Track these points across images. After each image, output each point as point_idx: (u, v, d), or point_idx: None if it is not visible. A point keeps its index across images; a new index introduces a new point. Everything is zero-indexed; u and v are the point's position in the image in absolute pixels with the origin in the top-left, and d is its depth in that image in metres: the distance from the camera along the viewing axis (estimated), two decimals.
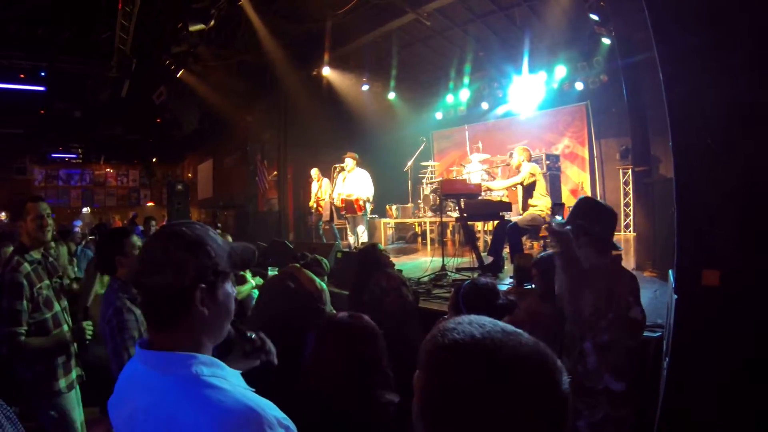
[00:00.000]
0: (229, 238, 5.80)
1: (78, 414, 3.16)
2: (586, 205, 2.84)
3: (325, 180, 10.19)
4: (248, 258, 1.37)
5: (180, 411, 1.04)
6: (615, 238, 2.79)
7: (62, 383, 3.04)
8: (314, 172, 10.53)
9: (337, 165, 9.34)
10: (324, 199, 10.18)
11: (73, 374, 3.15)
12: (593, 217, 2.66)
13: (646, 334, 3.49)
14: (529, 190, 6.54)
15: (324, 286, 4.13)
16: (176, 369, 1.11)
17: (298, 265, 4.20)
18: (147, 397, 1.11)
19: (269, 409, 1.07)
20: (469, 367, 0.79)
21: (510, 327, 0.85)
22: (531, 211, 6.41)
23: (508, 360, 0.78)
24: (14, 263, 2.91)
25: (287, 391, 2.09)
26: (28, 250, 3.01)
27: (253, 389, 1.18)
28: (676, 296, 2.41)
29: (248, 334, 1.71)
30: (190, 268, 1.17)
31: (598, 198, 11.93)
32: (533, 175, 6.49)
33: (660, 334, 3.38)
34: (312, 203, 10.52)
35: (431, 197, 10.25)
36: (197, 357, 1.14)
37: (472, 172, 9.54)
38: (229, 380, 1.13)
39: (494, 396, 0.75)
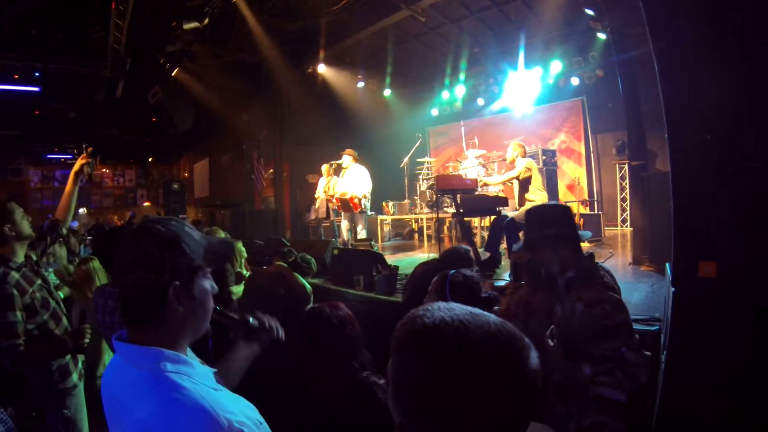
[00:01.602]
0: (222, 234, 5.78)
1: (85, 411, 3.16)
2: (533, 218, 2.55)
3: (336, 178, 10.16)
4: (226, 253, 1.41)
5: (139, 405, 1.09)
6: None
7: (75, 377, 3.05)
8: (325, 167, 10.51)
9: (333, 162, 9.33)
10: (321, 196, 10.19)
11: (80, 364, 3.16)
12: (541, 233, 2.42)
13: (643, 327, 3.50)
14: (525, 185, 6.55)
15: (309, 288, 4.15)
16: (143, 363, 1.14)
17: (285, 264, 4.20)
18: (121, 389, 1.16)
19: (223, 411, 1.07)
20: (438, 348, 0.81)
21: (477, 310, 0.87)
22: (528, 206, 6.41)
23: (476, 339, 0.80)
24: (1, 275, 2.78)
25: (273, 386, 2.14)
26: (10, 258, 2.89)
27: (220, 389, 1.20)
28: (673, 289, 2.41)
29: (243, 319, 1.70)
30: (164, 266, 1.18)
31: (595, 193, 11.98)
32: (529, 169, 6.50)
33: (657, 328, 3.38)
34: (317, 194, 10.47)
35: (428, 193, 10.25)
36: (164, 353, 1.15)
37: (468, 168, 9.54)
38: (194, 378, 1.15)
39: (464, 375, 0.77)
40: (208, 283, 1.29)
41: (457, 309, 0.86)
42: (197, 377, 1.16)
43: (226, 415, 1.06)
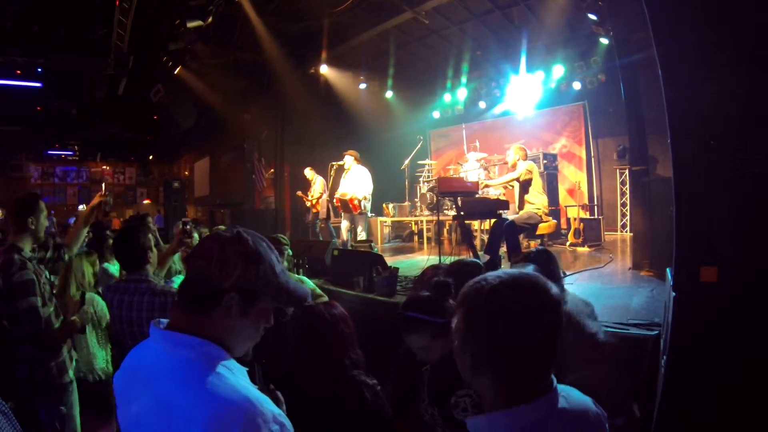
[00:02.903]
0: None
1: (78, 408, 3.16)
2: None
3: (319, 178, 10.21)
4: (299, 298, 1.37)
5: (178, 391, 1.09)
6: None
7: (71, 373, 3.06)
8: (307, 171, 10.56)
9: (333, 162, 9.34)
10: (312, 198, 10.28)
11: (74, 362, 3.18)
12: None
13: (643, 332, 3.50)
14: (525, 187, 6.53)
15: (307, 281, 4.13)
16: (184, 350, 1.15)
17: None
18: (151, 372, 1.16)
19: (267, 403, 1.10)
20: (491, 290, 1.17)
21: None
22: (527, 209, 6.40)
23: (513, 279, 1.18)
24: (19, 262, 2.84)
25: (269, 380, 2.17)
26: (22, 248, 2.94)
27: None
28: (674, 294, 2.41)
29: (270, 386, 1.73)
30: (233, 273, 1.20)
31: (595, 198, 11.99)
32: (530, 172, 6.48)
33: (657, 332, 3.38)
34: (307, 203, 10.56)
35: (428, 196, 10.24)
36: (207, 344, 1.16)
37: (469, 170, 9.55)
38: (233, 371, 1.16)
39: (509, 306, 1.14)
40: (268, 318, 1.30)
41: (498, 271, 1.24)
42: (236, 370, 1.18)
43: (269, 407, 1.09)
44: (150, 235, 2.91)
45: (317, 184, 10.35)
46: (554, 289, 1.16)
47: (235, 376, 1.15)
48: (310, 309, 2.44)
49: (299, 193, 11.01)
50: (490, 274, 1.20)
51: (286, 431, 1.10)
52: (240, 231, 1.28)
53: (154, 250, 2.90)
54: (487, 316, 1.15)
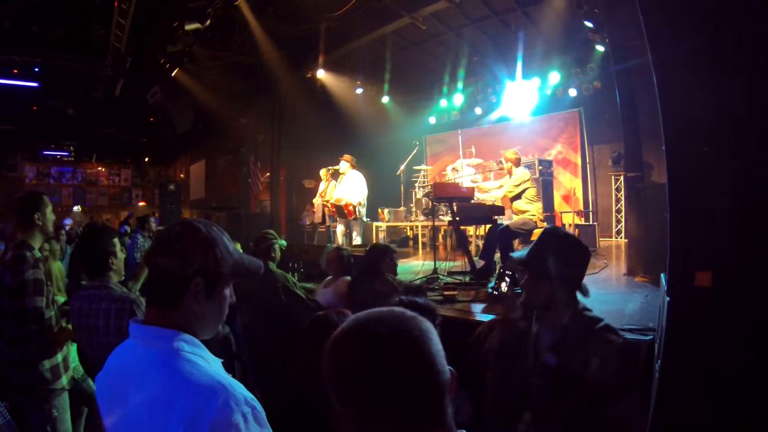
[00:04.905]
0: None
1: (69, 413, 3.14)
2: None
3: (333, 182, 10.19)
4: (254, 271, 1.46)
5: (156, 381, 1.15)
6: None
7: (64, 380, 3.03)
8: (323, 172, 10.53)
9: (330, 167, 9.34)
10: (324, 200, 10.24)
11: (71, 370, 3.15)
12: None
13: (637, 337, 3.51)
14: (518, 196, 6.54)
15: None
16: (160, 342, 1.21)
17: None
18: (130, 369, 1.22)
19: (239, 387, 1.16)
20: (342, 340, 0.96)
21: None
22: (524, 216, 6.41)
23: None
24: (31, 260, 2.83)
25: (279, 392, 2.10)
26: (33, 247, 2.93)
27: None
28: (668, 298, 2.42)
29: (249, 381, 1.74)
30: (194, 260, 1.28)
31: (590, 204, 12.03)
32: (517, 186, 6.45)
33: (651, 337, 3.39)
34: (316, 200, 10.50)
35: (424, 201, 10.26)
36: (181, 335, 1.23)
37: (465, 176, 9.56)
38: (208, 360, 1.23)
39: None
40: (228, 292, 1.37)
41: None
42: (211, 360, 1.25)
43: (241, 391, 1.15)
44: (115, 240, 2.81)
45: (331, 186, 10.26)
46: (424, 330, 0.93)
47: (209, 364, 1.22)
48: (320, 317, 2.38)
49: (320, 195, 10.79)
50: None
51: (257, 413, 1.15)
52: (190, 221, 1.35)
53: (119, 255, 2.79)
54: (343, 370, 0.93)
